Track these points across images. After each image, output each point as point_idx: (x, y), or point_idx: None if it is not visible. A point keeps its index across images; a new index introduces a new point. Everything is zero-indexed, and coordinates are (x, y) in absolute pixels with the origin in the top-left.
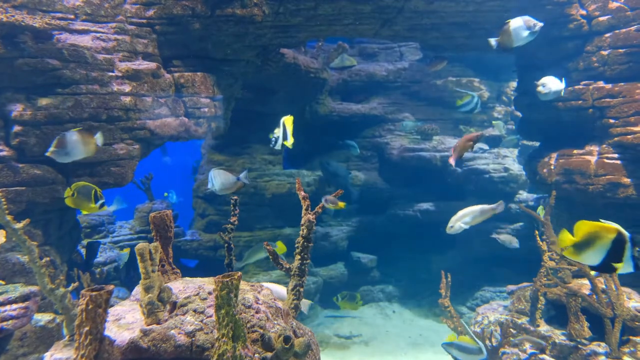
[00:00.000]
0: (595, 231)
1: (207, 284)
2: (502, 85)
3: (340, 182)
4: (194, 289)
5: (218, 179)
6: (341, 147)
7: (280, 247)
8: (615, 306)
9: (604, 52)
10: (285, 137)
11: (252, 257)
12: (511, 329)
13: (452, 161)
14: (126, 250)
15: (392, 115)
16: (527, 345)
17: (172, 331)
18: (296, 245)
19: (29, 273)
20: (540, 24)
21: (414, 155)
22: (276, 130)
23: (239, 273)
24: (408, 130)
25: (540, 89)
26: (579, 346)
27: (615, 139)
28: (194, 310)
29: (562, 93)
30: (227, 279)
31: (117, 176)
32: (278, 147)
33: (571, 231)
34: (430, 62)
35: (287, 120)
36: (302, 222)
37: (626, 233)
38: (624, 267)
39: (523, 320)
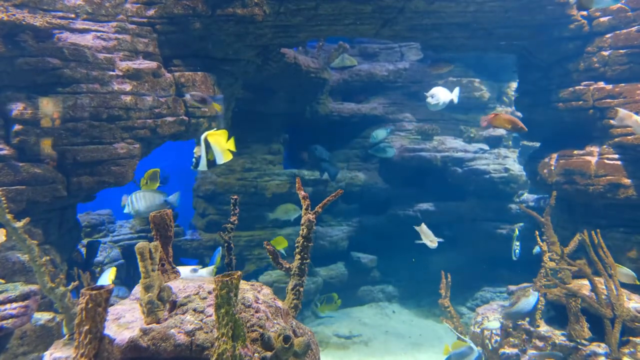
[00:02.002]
0: None
1: (207, 283)
2: (502, 85)
3: (324, 167)
4: (193, 288)
5: (142, 202)
6: (342, 147)
7: (281, 242)
8: (615, 307)
9: (605, 53)
10: (212, 156)
11: (281, 213)
12: (511, 330)
13: (484, 122)
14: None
15: (393, 116)
16: (528, 346)
17: (172, 330)
18: (296, 245)
19: (29, 272)
20: None
21: (415, 156)
22: (196, 150)
23: (239, 272)
24: (379, 140)
25: (429, 99)
26: (579, 347)
27: (616, 139)
28: (194, 310)
29: (456, 101)
30: (227, 278)
31: (117, 175)
32: (202, 168)
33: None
34: (432, 63)
35: (213, 136)
36: (302, 221)
37: None
38: None
39: (523, 320)
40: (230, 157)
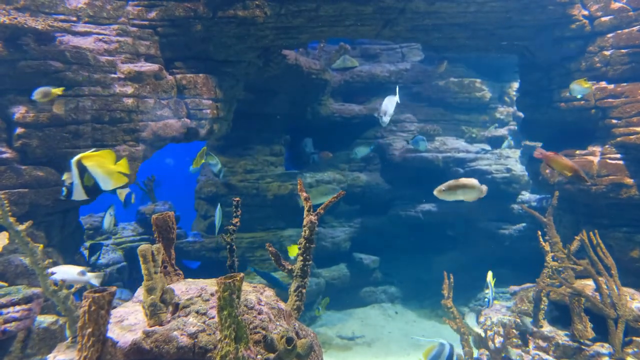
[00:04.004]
0: None
1: (210, 285)
2: (504, 85)
3: (313, 159)
4: (196, 290)
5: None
6: (344, 148)
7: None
8: (617, 307)
9: (607, 53)
10: (91, 181)
11: (318, 195)
12: (514, 330)
13: (538, 154)
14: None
15: (394, 117)
16: (531, 346)
17: (175, 332)
18: (298, 247)
19: (32, 275)
20: None
21: (416, 156)
22: (66, 176)
23: (241, 274)
24: (360, 157)
25: (384, 119)
26: (582, 347)
27: (618, 139)
28: (197, 312)
29: (399, 101)
30: (230, 281)
31: None
32: (78, 197)
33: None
34: (438, 64)
35: (92, 158)
36: (304, 223)
37: None
38: None
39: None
40: (123, 180)
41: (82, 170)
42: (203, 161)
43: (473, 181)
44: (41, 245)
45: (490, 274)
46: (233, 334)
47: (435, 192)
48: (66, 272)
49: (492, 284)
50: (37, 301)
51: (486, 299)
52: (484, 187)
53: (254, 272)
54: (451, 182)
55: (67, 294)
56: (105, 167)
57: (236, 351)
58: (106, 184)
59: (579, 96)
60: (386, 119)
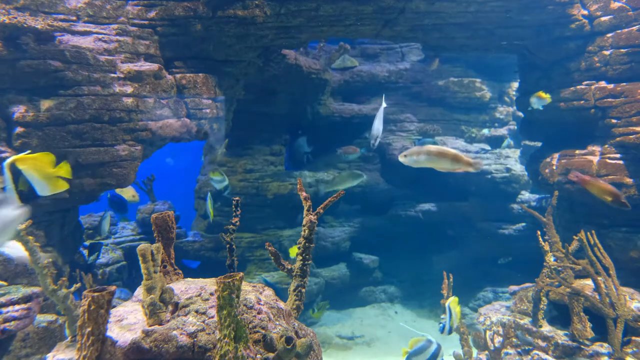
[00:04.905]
0: None
1: (209, 284)
2: (503, 85)
3: (307, 157)
4: (195, 289)
5: None
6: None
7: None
8: (616, 306)
9: (606, 52)
10: (26, 186)
11: (340, 184)
12: (513, 330)
13: (573, 175)
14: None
15: (394, 116)
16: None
17: (174, 332)
18: (298, 246)
19: (32, 274)
20: None
21: None
22: None
23: (241, 274)
24: (351, 159)
25: (374, 142)
26: (582, 347)
27: (618, 139)
28: (196, 311)
29: (385, 105)
30: (229, 280)
31: (119, 177)
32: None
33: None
34: (430, 61)
35: (27, 161)
36: (304, 222)
37: None
38: None
39: (525, 321)
40: (63, 186)
41: (16, 173)
42: (225, 150)
43: (442, 149)
44: (32, 238)
45: (455, 300)
46: (232, 333)
47: (399, 158)
48: (19, 248)
49: (458, 310)
50: (36, 300)
51: (440, 324)
52: (473, 161)
53: (263, 282)
54: (414, 148)
55: (66, 293)
56: (42, 170)
57: (235, 350)
58: (43, 189)
59: (541, 107)
60: (374, 143)
